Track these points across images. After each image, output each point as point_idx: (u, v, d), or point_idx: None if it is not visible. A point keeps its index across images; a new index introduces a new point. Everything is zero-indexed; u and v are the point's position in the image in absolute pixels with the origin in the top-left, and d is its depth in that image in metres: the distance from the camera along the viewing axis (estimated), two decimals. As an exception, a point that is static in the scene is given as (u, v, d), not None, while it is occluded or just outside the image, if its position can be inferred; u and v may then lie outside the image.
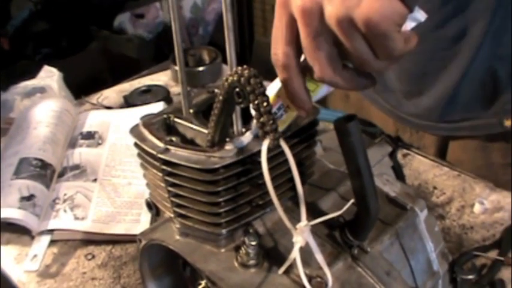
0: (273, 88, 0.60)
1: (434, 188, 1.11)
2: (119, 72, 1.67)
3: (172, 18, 0.63)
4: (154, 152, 0.62)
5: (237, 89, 0.53)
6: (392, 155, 0.84)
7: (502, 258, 0.93)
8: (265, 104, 0.53)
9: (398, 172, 0.84)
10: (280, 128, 0.59)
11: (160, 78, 1.53)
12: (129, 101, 1.37)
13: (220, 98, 0.56)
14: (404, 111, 1.20)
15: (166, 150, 0.62)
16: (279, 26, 0.57)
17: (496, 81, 1.07)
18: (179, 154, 0.61)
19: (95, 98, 1.44)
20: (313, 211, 0.67)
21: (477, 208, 1.05)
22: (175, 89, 1.43)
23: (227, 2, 0.55)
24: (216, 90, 0.71)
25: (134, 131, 0.66)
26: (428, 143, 1.23)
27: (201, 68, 1.42)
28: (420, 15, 0.57)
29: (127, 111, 1.31)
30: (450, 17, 1.00)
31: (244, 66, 0.53)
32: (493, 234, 0.99)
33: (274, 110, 0.59)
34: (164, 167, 0.62)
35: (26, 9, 2.13)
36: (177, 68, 1.41)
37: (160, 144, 0.62)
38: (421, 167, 1.16)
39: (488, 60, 1.04)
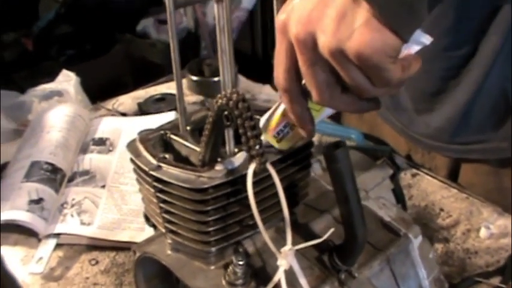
0: (279, 107, 0.61)
1: (441, 210, 1.10)
2: (141, 76, 1.69)
3: (170, 36, 0.64)
4: (147, 169, 0.63)
5: (226, 112, 0.54)
6: (393, 178, 0.83)
7: (504, 286, 0.92)
8: (252, 128, 0.53)
9: (398, 195, 0.83)
10: (286, 146, 0.60)
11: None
12: (143, 109, 1.38)
13: (210, 119, 0.57)
14: (416, 131, 1.19)
15: (159, 168, 0.63)
16: (280, 51, 0.57)
17: (507, 104, 1.06)
18: (170, 172, 0.62)
19: (110, 104, 1.45)
20: (305, 233, 0.67)
21: (483, 233, 1.03)
22: (190, 98, 1.44)
23: (221, 26, 0.56)
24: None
25: (131, 146, 0.68)
26: (440, 164, 1.22)
27: (216, 79, 1.41)
28: (425, 39, 0.56)
29: (139, 119, 1.33)
30: (462, 39, 1.00)
31: (234, 90, 0.54)
32: (497, 260, 0.98)
33: (280, 128, 0.60)
34: (156, 184, 0.63)
35: (52, 11, 2.17)
36: (192, 77, 1.44)
37: (153, 161, 0.63)
38: (429, 187, 1.16)
39: (501, 81, 1.03)
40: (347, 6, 0.52)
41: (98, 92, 1.52)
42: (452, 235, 1.04)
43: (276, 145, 0.63)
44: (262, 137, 0.58)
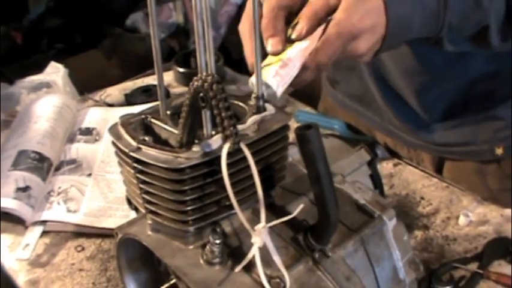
0: None
1: (422, 198, 1.12)
2: (130, 70, 1.70)
3: (151, 23, 0.65)
4: (127, 150, 0.65)
5: (201, 94, 0.56)
6: (370, 164, 0.85)
7: (481, 272, 0.94)
8: (226, 109, 0.55)
9: (376, 181, 0.85)
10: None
11: (164, 78, 1.55)
12: (129, 100, 1.40)
13: (187, 101, 0.58)
14: (395, 125, 1.22)
15: (138, 149, 0.64)
16: None
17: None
18: (149, 153, 0.64)
19: (98, 95, 1.47)
20: (281, 214, 0.68)
21: (462, 220, 1.06)
22: (177, 90, 1.46)
23: (198, 11, 0.58)
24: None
25: (112, 129, 0.69)
26: (425, 159, 1.25)
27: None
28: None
29: (126, 110, 1.34)
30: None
31: (209, 73, 0.56)
32: (475, 247, 1.00)
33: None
34: (135, 165, 0.65)
35: (42, 5, 2.18)
36: (179, 69, 1.45)
37: (134, 143, 0.65)
38: (410, 177, 1.18)
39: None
40: None
41: (87, 85, 1.53)
42: (432, 222, 1.06)
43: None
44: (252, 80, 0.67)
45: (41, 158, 1.15)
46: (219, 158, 0.61)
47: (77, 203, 1.09)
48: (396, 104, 1.17)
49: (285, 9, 0.73)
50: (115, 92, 1.50)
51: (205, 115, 0.63)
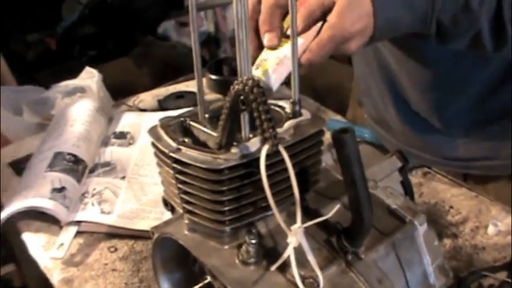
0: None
1: (451, 207, 1.13)
2: (161, 77, 1.73)
3: (192, 29, 0.68)
4: (167, 151, 0.67)
5: (242, 97, 0.58)
6: (402, 170, 0.86)
7: (510, 280, 0.94)
8: (265, 111, 0.57)
9: (407, 187, 0.86)
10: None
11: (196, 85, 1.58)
12: (162, 105, 1.43)
13: (227, 104, 0.60)
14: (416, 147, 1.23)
15: (178, 150, 0.66)
16: None
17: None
18: (189, 154, 0.66)
19: (131, 101, 1.50)
20: (315, 217, 0.70)
21: (491, 230, 1.06)
22: (209, 97, 1.48)
23: (239, 18, 0.60)
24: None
25: (152, 131, 0.72)
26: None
27: (234, 78, 1.45)
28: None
29: (159, 115, 1.37)
30: None
31: (249, 77, 0.58)
32: (504, 256, 1.00)
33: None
34: (175, 165, 0.67)
35: (76, 12, 2.23)
36: (211, 76, 1.48)
37: (173, 144, 0.67)
38: (439, 186, 1.18)
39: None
40: None
41: (118, 91, 1.56)
42: (460, 231, 1.06)
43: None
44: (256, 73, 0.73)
45: (76, 160, 1.17)
46: (256, 160, 0.63)
47: (111, 204, 1.11)
48: (416, 123, 1.18)
49: (282, 8, 0.76)
50: (148, 97, 1.52)
51: (244, 118, 0.64)
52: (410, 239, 0.73)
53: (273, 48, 0.76)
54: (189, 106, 1.37)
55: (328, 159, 0.82)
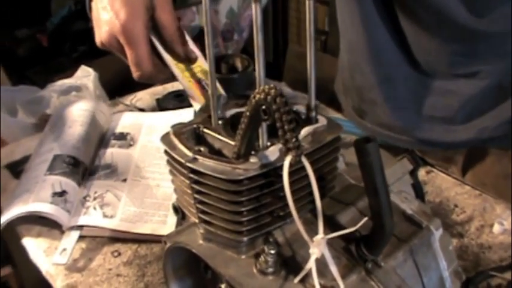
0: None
1: (455, 206, 1.12)
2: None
3: (205, 24, 0.66)
4: (183, 161, 0.65)
5: (263, 107, 0.57)
6: (413, 173, 0.86)
7: (517, 280, 0.94)
8: (289, 122, 0.56)
9: (418, 190, 0.86)
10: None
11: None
12: (161, 105, 1.41)
13: (248, 114, 0.59)
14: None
15: (194, 160, 0.65)
16: None
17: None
18: (206, 164, 0.64)
19: (128, 99, 1.48)
20: (331, 224, 0.69)
21: (496, 228, 1.06)
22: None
23: (258, 25, 0.59)
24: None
25: (165, 139, 0.70)
26: (453, 165, 1.24)
27: (233, 75, 1.42)
28: None
29: (159, 115, 1.35)
30: None
31: (272, 85, 0.56)
32: (510, 255, 1.00)
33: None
34: (191, 175, 0.65)
35: (66, 8, 2.19)
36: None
37: (189, 154, 0.66)
38: (443, 184, 1.18)
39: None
40: None
41: (111, 88, 1.54)
42: (466, 230, 1.06)
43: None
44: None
45: (76, 163, 1.15)
46: (276, 169, 0.62)
47: (113, 208, 1.10)
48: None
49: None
50: (145, 96, 1.50)
51: (262, 127, 0.63)
52: (427, 245, 0.73)
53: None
54: (190, 105, 1.36)
55: (340, 163, 0.81)
